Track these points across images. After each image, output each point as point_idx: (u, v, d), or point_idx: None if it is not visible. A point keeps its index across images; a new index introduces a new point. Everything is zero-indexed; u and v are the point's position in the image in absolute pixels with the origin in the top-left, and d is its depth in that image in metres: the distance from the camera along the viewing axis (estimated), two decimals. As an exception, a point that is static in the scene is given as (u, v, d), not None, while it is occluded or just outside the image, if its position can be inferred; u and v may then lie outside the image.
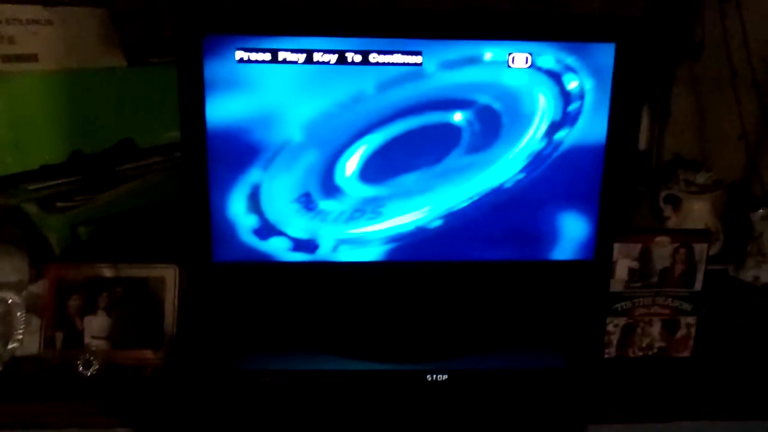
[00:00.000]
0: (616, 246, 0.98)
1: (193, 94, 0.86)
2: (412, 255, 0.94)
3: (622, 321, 1.00)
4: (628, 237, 0.98)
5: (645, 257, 0.99)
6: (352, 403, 0.88)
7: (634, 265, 0.99)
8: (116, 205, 1.02)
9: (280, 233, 0.92)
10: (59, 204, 0.99)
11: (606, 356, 1.00)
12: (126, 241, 1.00)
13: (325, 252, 0.93)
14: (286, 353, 0.91)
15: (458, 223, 0.94)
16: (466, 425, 0.88)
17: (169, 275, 0.92)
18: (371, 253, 0.94)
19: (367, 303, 0.96)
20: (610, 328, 1.00)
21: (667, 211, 1.28)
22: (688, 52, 1.26)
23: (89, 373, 0.89)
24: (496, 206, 0.94)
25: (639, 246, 0.98)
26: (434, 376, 0.90)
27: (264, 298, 0.94)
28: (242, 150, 0.88)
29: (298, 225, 0.92)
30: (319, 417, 0.87)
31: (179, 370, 0.90)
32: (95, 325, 0.91)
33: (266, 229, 0.92)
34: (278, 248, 0.92)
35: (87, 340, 0.91)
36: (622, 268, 0.99)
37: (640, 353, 1.01)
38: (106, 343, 0.91)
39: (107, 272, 0.92)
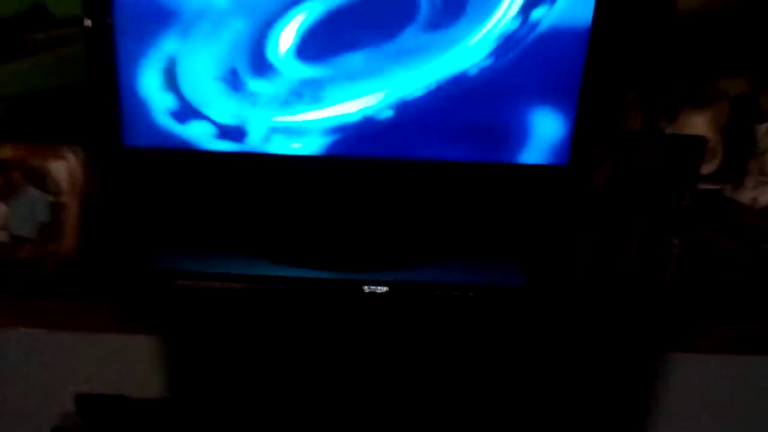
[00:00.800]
0: (596, 151, 0.85)
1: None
2: (357, 149, 0.81)
3: (595, 236, 0.88)
4: (611, 141, 0.85)
5: (628, 166, 0.86)
6: (276, 313, 0.77)
7: (615, 173, 0.86)
8: (24, 81, 0.89)
9: (202, 117, 0.79)
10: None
11: (575, 275, 0.89)
12: (32, 122, 0.87)
13: (255, 141, 0.80)
14: (206, 253, 0.80)
15: (412, 115, 0.81)
16: (405, 342, 0.78)
17: (73, 160, 0.80)
18: (309, 145, 0.81)
19: (302, 202, 0.84)
20: (581, 243, 0.88)
21: (662, 121, 1.14)
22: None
23: (-20, 268, 0.78)
24: (458, 96, 0.80)
25: (622, 153, 0.85)
26: (372, 287, 0.79)
27: (183, 190, 0.82)
28: (155, 14, 0.74)
29: (222, 108, 0.79)
30: (238, 326, 0.77)
31: (83, 267, 0.79)
32: (-12, 214, 0.80)
33: (185, 112, 0.79)
34: (200, 134, 0.80)
35: (-21, 230, 0.80)
36: (601, 176, 0.86)
37: (614, 274, 0.89)
38: (2, 234, 0.80)
39: (1, 154, 0.79)
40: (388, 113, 0.80)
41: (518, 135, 0.82)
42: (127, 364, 0.87)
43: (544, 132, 0.83)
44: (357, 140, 0.81)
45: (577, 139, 0.83)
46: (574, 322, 0.82)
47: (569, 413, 0.86)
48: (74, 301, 0.78)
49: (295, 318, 0.76)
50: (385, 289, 0.79)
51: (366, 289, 0.78)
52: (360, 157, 0.82)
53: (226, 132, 0.80)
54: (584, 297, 0.86)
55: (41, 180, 0.79)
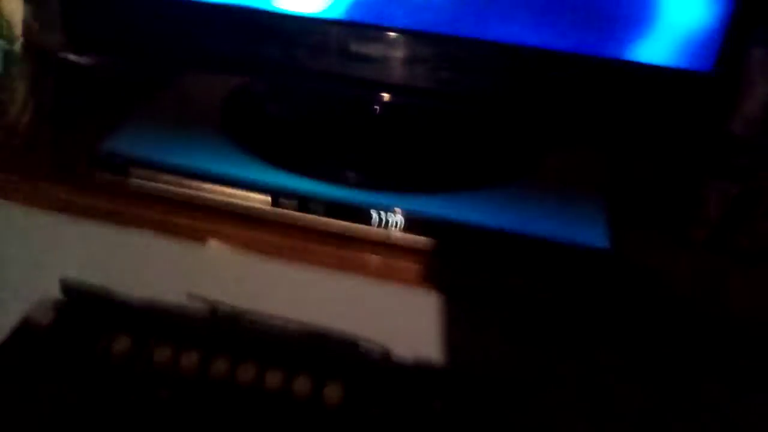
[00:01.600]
0: (755, 54, 0.55)
1: None
2: (396, 18, 0.57)
3: (736, 187, 0.59)
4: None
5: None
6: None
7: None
8: None
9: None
10: None
11: (690, 239, 0.61)
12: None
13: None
14: (183, 138, 0.62)
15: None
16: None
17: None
18: (329, 4, 0.58)
19: (315, 84, 0.61)
20: (712, 194, 0.60)
21: None
22: None
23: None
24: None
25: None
26: (384, 214, 0.56)
27: (161, 51, 0.62)
28: None
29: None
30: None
31: (37, 138, 0.64)
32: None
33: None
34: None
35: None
36: (758, 95, 0.57)
37: (757, 244, 0.61)
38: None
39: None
40: (441, -33, 0.55)
41: (636, 19, 0.54)
42: (118, 256, 0.72)
43: (677, 18, 0.54)
44: (398, 3, 0.57)
45: (730, 35, 0.54)
46: (678, 312, 0.56)
47: None
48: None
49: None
50: (400, 220, 0.56)
51: (374, 216, 0.56)
52: (400, 29, 0.57)
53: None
54: (702, 276, 0.59)
55: (-5, 22, 0.63)
